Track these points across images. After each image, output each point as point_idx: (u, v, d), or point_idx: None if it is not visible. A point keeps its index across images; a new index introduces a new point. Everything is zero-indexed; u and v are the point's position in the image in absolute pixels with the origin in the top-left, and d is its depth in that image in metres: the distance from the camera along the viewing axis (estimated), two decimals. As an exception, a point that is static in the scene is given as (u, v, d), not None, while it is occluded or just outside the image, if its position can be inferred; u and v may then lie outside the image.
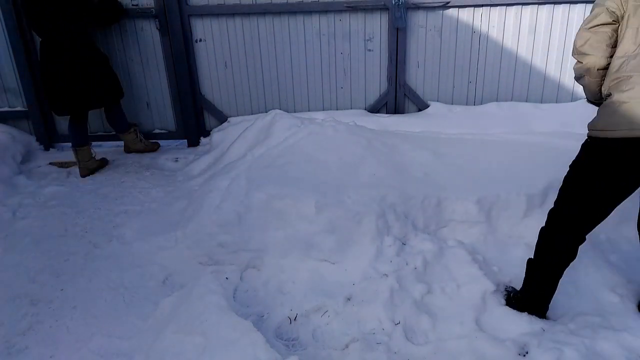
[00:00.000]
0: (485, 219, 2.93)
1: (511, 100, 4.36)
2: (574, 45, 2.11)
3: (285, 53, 4.32)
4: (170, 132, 4.62)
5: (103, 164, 4.20)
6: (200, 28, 4.26)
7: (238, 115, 4.51)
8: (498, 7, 4.11)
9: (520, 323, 2.28)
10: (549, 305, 2.31)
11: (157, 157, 4.32)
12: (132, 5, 4.16)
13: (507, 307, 2.38)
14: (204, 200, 3.13)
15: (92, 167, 4.07)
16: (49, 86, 3.80)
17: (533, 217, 2.85)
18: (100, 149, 4.51)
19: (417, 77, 4.37)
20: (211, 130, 4.52)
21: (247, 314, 2.33)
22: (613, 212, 2.08)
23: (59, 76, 3.74)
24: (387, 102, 4.43)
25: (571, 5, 4.08)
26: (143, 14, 4.17)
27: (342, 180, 3.05)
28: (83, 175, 4.01)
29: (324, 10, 4.15)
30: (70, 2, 3.64)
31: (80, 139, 4.01)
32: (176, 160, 4.26)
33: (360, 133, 3.56)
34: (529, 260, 2.30)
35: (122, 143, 4.50)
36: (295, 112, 4.38)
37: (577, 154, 2.10)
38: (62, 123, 4.58)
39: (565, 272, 2.23)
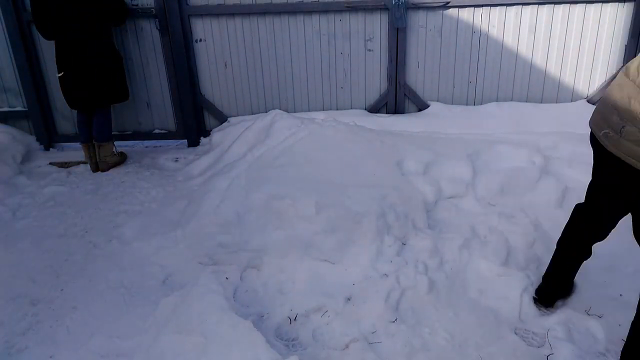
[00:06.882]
0: (485, 219, 2.93)
1: (511, 100, 4.35)
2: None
3: (285, 53, 4.32)
4: (170, 132, 4.62)
5: (123, 158, 4.25)
6: (200, 28, 4.26)
7: (238, 115, 4.51)
8: (498, 7, 4.10)
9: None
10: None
11: (157, 157, 4.32)
12: (132, 5, 4.16)
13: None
14: (204, 200, 3.13)
15: (112, 161, 4.12)
16: (63, 83, 3.91)
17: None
18: (100, 149, 4.52)
19: (417, 77, 4.37)
20: (211, 130, 4.52)
21: (247, 314, 2.33)
22: None
23: (72, 73, 3.85)
24: (387, 102, 4.43)
25: (571, 5, 4.08)
26: (143, 14, 4.17)
27: (342, 180, 3.05)
28: (103, 170, 4.07)
29: (324, 10, 4.15)
30: (87, 3, 3.72)
31: (87, 136, 4.07)
32: (176, 160, 4.26)
33: (360, 133, 3.56)
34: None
35: (122, 143, 4.49)
36: (295, 112, 4.38)
37: None
38: (63, 123, 4.58)
39: None
